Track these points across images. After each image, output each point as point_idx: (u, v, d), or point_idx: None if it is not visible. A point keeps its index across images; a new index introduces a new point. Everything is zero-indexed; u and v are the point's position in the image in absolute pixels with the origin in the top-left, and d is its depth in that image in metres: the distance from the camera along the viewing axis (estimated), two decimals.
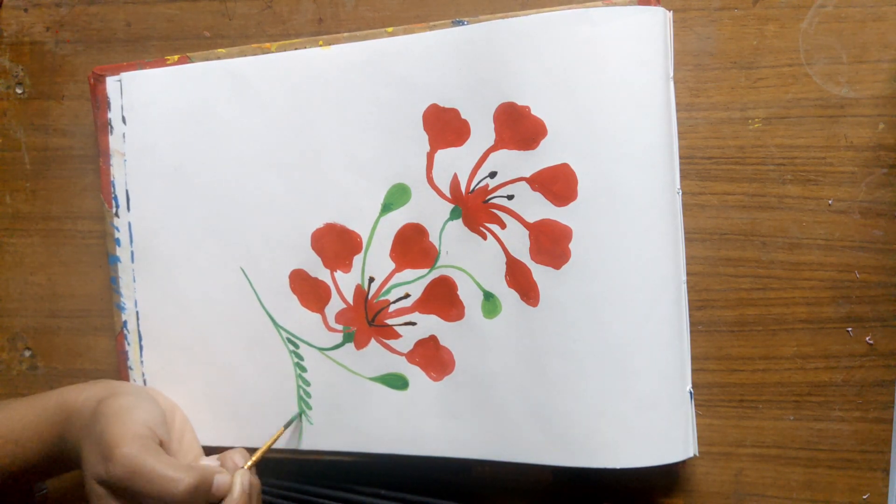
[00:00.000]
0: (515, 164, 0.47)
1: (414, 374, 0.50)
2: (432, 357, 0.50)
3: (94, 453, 0.44)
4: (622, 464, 0.46)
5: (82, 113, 0.55)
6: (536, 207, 0.46)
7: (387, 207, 0.50)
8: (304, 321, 0.51)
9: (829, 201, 0.49)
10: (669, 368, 0.47)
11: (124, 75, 0.52)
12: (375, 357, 0.50)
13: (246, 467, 0.46)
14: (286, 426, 0.51)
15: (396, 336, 0.50)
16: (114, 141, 0.52)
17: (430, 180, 0.49)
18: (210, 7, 0.54)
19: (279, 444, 0.52)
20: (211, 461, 0.47)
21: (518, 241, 0.47)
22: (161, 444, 0.45)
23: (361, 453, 0.51)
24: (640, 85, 0.45)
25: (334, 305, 0.51)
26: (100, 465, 0.43)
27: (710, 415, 0.51)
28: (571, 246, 0.46)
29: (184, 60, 0.52)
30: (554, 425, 0.47)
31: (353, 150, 0.49)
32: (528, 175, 0.46)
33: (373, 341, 0.51)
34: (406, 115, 0.48)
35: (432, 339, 0.50)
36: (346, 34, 0.50)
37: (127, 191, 0.53)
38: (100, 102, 0.52)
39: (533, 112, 0.46)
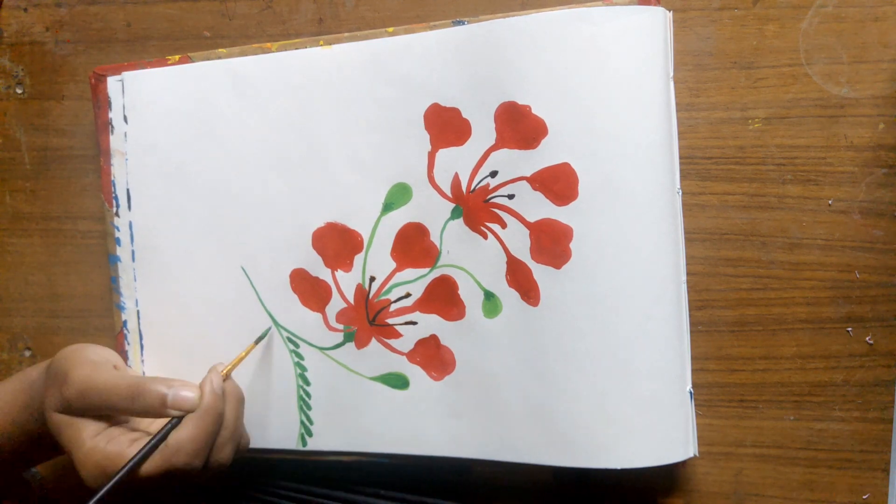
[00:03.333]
0: (516, 163, 0.47)
1: (414, 373, 0.50)
2: (433, 356, 0.50)
3: (51, 390, 0.44)
4: (622, 464, 0.46)
5: (82, 113, 0.55)
6: (537, 207, 0.46)
7: (388, 207, 0.50)
8: (304, 321, 0.51)
9: (829, 201, 0.49)
10: (669, 368, 0.47)
11: (126, 75, 0.52)
12: (376, 356, 0.50)
13: (222, 373, 0.46)
14: (257, 341, 0.51)
15: (397, 335, 0.50)
16: (115, 140, 0.52)
17: (430, 179, 0.49)
18: (210, 7, 0.54)
19: (279, 445, 0.52)
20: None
21: (519, 241, 0.47)
22: (115, 368, 0.46)
23: (361, 453, 0.51)
24: (640, 85, 0.45)
25: (335, 305, 0.51)
26: (56, 395, 0.44)
27: (710, 415, 0.51)
28: (572, 245, 0.46)
29: (185, 60, 0.52)
30: (554, 425, 0.47)
31: (354, 149, 0.50)
32: (528, 174, 0.46)
33: (373, 341, 0.51)
34: (407, 114, 0.48)
35: (433, 339, 0.50)
36: (346, 34, 0.50)
37: (128, 190, 0.53)
38: (101, 102, 0.52)
39: (533, 111, 0.46)
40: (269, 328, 0.52)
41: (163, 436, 0.42)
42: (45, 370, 0.47)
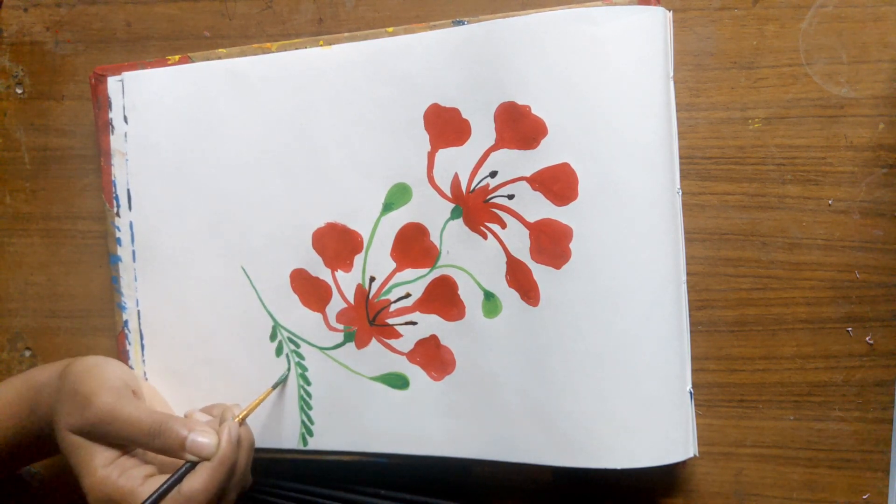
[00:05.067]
0: (516, 163, 0.47)
1: (414, 373, 0.50)
2: (433, 357, 0.50)
3: (68, 407, 0.45)
4: (622, 464, 0.46)
5: (82, 113, 0.55)
6: (537, 207, 0.46)
7: (388, 207, 0.50)
8: (304, 321, 0.51)
9: (829, 201, 0.49)
10: (669, 368, 0.47)
11: (126, 75, 0.52)
12: (376, 356, 0.50)
13: (236, 420, 0.46)
14: (275, 386, 0.51)
15: (397, 335, 0.50)
16: (115, 141, 0.53)
17: (430, 180, 0.49)
18: (210, 7, 0.54)
19: (280, 444, 0.52)
20: (203, 416, 0.48)
21: (518, 241, 0.47)
22: (134, 394, 0.47)
23: (362, 453, 0.51)
24: (640, 85, 0.45)
25: (335, 305, 0.51)
26: (75, 416, 0.44)
27: (710, 415, 0.51)
28: (572, 246, 0.46)
29: (185, 60, 0.52)
30: (554, 425, 0.47)
31: (354, 149, 0.50)
32: (528, 174, 0.46)
33: (373, 341, 0.51)
34: (407, 114, 0.49)
35: (433, 339, 0.50)
36: (346, 34, 0.50)
37: (128, 190, 0.53)
38: (101, 102, 0.52)
39: (533, 111, 0.46)
40: (287, 372, 0.52)
41: (176, 479, 0.43)
42: (56, 378, 0.47)
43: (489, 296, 0.48)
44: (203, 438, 0.44)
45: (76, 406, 0.44)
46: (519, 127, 0.46)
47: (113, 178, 0.53)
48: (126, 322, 0.54)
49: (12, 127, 0.56)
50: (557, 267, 0.46)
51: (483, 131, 0.47)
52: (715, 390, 0.50)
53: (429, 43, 0.48)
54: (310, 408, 0.52)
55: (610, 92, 0.45)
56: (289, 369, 0.52)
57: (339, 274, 0.51)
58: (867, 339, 0.49)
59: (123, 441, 0.44)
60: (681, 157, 0.49)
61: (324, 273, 0.51)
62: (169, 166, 0.52)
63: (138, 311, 0.53)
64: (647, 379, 0.46)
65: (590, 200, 0.46)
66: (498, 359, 0.48)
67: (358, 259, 0.50)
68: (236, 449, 0.45)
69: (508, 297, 0.48)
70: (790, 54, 0.49)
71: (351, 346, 0.51)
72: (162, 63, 0.52)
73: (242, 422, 0.47)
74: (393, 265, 0.50)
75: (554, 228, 0.46)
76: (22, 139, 0.56)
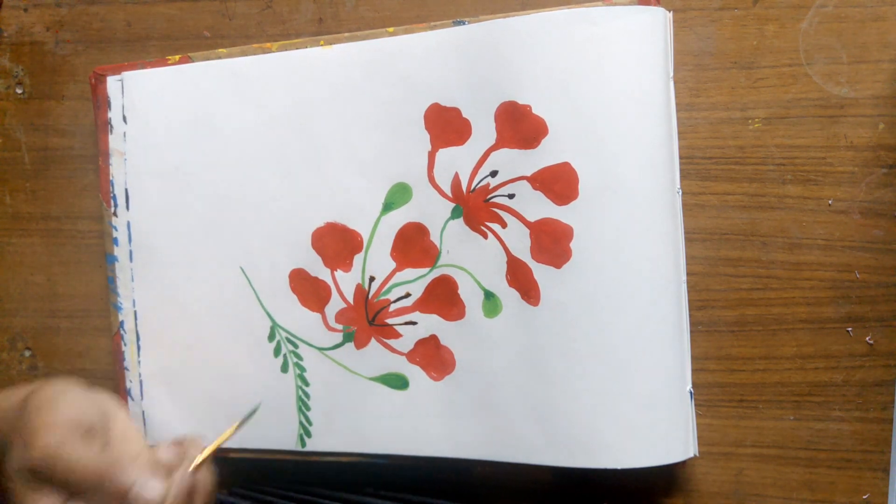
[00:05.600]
0: (516, 163, 0.47)
1: (414, 373, 0.50)
2: (433, 356, 0.50)
3: (18, 444, 0.41)
4: (622, 464, 0.46)
5: (82, 113, 0.55)
6: (537, 206, 0.46)
7: (388, 206, 0.50)
8: (303, 321, 0.51)
9: (829, 201, 0.49)
10: (669, 368, 0.47)
11: (126, 75, 0.52)
12: (375, 357, 0.50)
13: (192, 467, 0.43)
14: (241, 423, 0.48)
15: (397, 336, 0.50)
16: (114, 140, 0.53)
17: (431, 179, 0.49)
18: (210, 7, 0.54)
19: (278, 445, 0.52)
20: (167, 452, 0.44)
21: (519, 241, 0.47)
22: (89, 432, 0.42)
23: (361, 453, 0.51)
24: (640, 85, 0.45)
25: (334, 305, 0.51)
26: (19, 455, 0.40)
27: (710, 415, 0.51)
28: (572, 245, 0.46)
29: (185, 60, 0.52)
30: (554, 425, 0.47)
31: (355, 149, 0.50)
32: (528, 174, 0.46)
33: (373, 341, 0.51)
34: (407, 114, 0.48)
35: (433, 339, 0.50)
36: (346, 34, 0.50)
37: (126, 190, 0.53)
38: (100, 102, 0.52)
39: (534, 111, 0.46)
40: (255, 408, 0.50)
41: None
42: (17, 406, 0.43)
43: (489, 295, 0.48)
44: (147, 493, 0.40)
45: (21, 444, 0.41)
46: (519, 127, 0.46)
47: (111, 178, 0.53)
48: (122, 323, 0.53)
49: (12, 127, 0.56)
50: (558, 266, 0.46)
51: (483, 131, 0.47)
52: (715, 390, 0.50)
53: (429, 43, 0.48)
54: (308, 408, 0.52)
55: (610, 92, 0.45)
56: (257, 407, 0.50)
57: (339, 274, 0.51)
58: (867, 339, 0.49)
59: (68, 486, 0.40)
60: (681, 157, 0.49)
61: (323, 273, 0.51)
62: (168, 166, 0.52)
63: (135, 312, 0.53)
64: (647, 379, 0.46)
65: (590, 200, 0.46)
66: (498, 359, 0.48)
67: (357, 259, 0.50)
68: (187, 499, 0.42)
69: (509, 296, 0.48)
70: (790, 54, 0.49)
71: (350, 346, 0.51)
72: (162, 63, 0.52)
73: (200, 468, 0.43)
74: (393, 265, 0.50)
75: (554, 228, 0.46)
76: (22, 139, 0.56)
